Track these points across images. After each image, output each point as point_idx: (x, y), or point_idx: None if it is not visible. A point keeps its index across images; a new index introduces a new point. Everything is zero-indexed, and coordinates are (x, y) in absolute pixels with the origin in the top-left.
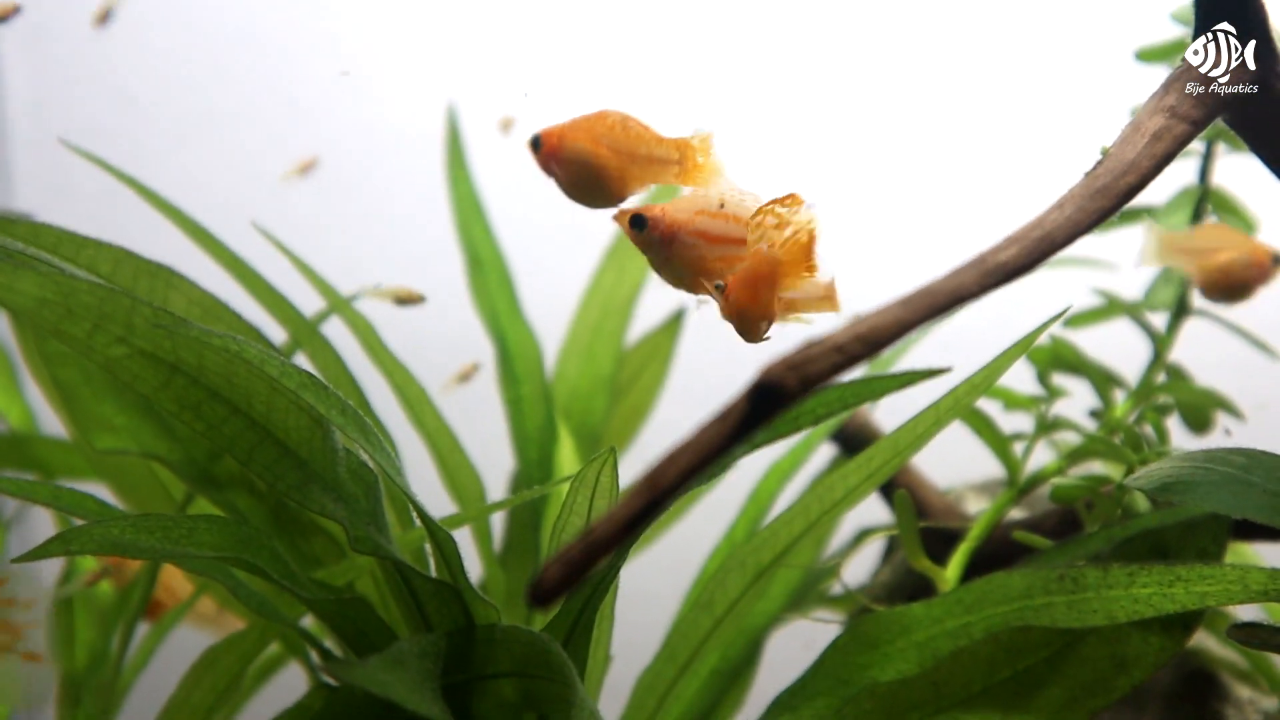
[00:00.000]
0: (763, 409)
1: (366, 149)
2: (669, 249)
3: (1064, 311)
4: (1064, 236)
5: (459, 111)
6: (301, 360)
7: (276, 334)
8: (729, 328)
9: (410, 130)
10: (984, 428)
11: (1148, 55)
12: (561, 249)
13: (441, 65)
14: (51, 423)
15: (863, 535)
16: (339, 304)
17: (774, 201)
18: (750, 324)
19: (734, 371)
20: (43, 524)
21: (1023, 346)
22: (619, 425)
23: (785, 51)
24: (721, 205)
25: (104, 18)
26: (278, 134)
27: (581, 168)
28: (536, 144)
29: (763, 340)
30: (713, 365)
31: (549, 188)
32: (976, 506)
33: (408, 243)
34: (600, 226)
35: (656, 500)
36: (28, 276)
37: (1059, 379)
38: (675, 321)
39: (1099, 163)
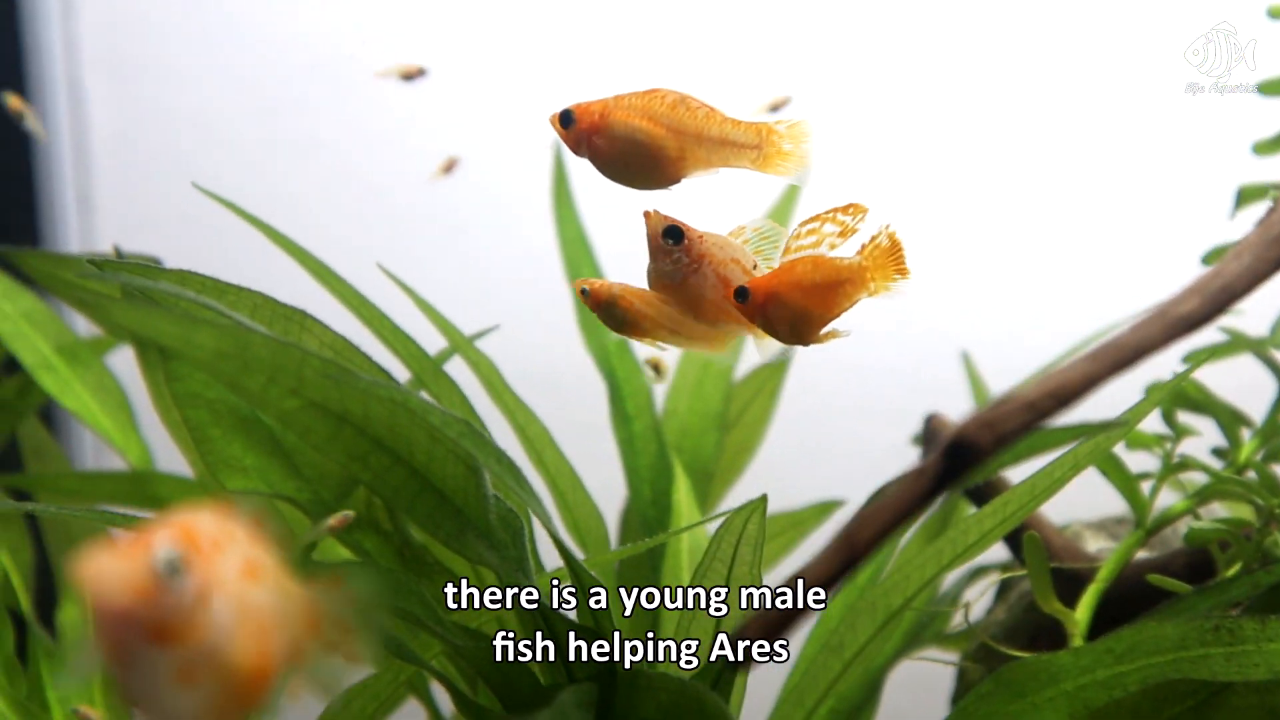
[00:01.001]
0: (958, 467)
1: (467, 181)
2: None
3: (1205, 354)
4: (1243, 286)
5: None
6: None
7: (400, 372)
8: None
9: (513, 164)
10: (1112, 468)
11: (1264, 148)
12: None
13: (541, 97)
14: (167, 460)
15: (977, 573)
16: (461, 343)
17: (834, 210)
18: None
19: None
20: None
21: (1166, 389)
22: (727, 460)
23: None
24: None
25: (448, 168)
26: (356, 164)
27: (631, 144)
28: (568, 119)
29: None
30: None
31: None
32: (1095, 545)
33: (517, 278)
34: None
35: (854, 559)
36: (205, 330)
37: (1184, 417)
38: (782, 359)
39: (1271, 210)
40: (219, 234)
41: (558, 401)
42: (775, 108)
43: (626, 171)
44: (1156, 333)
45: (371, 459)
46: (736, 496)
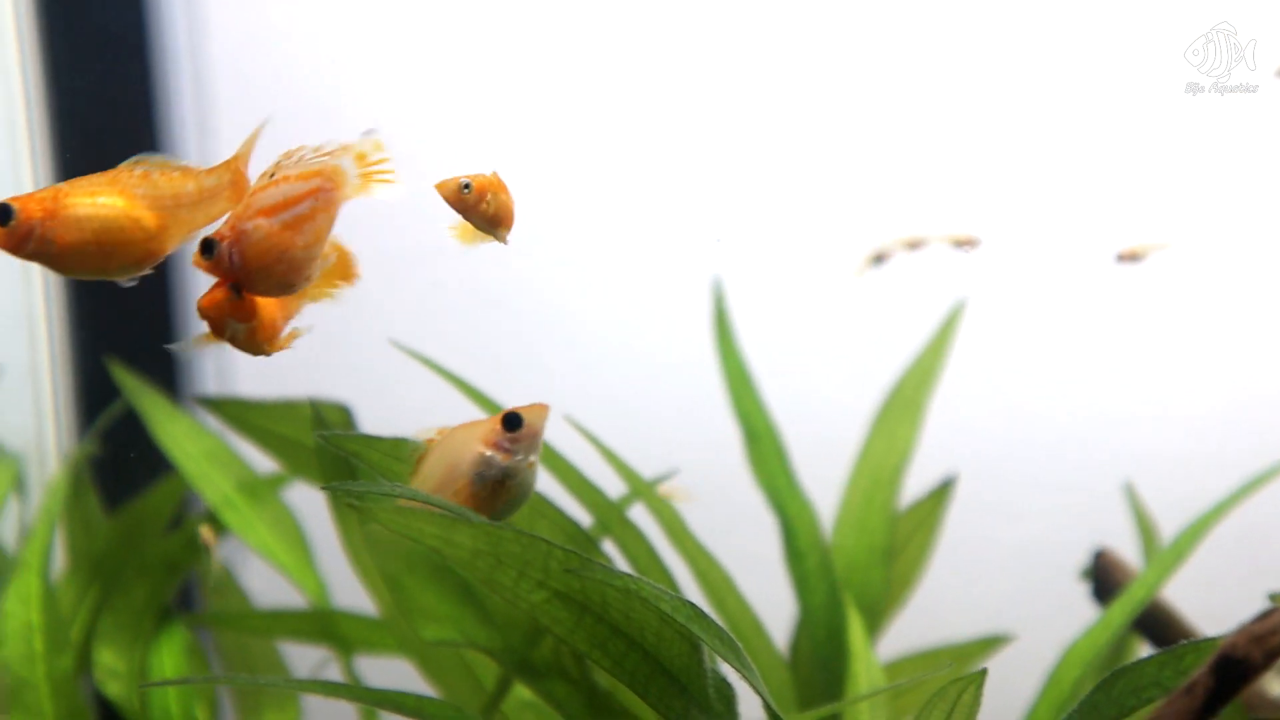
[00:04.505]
0: (1229, 684)
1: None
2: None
3: None
4: None
5: (724, 284)
6: (608, 545)
7: (583, 517)
8: None
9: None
10: None
11: None
12: (829, 410)
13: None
14: (342, 596)
15: None
16: (643, 489)
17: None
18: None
19: None
20: None
21: None
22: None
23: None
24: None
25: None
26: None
27: (99, 224)
28: (5, 215)
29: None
30: None
31: (809, 352)
32: None
33: (678, 415)
34: (862, 391)
35: None
36: (463, 529)
37: None
38: (943, 490)
39: None
40: (336, 337)
41: (731, 536)
42: (960, 244)
43: (93, 259)
44: None
45: (610, 645)
46: (897, 631)
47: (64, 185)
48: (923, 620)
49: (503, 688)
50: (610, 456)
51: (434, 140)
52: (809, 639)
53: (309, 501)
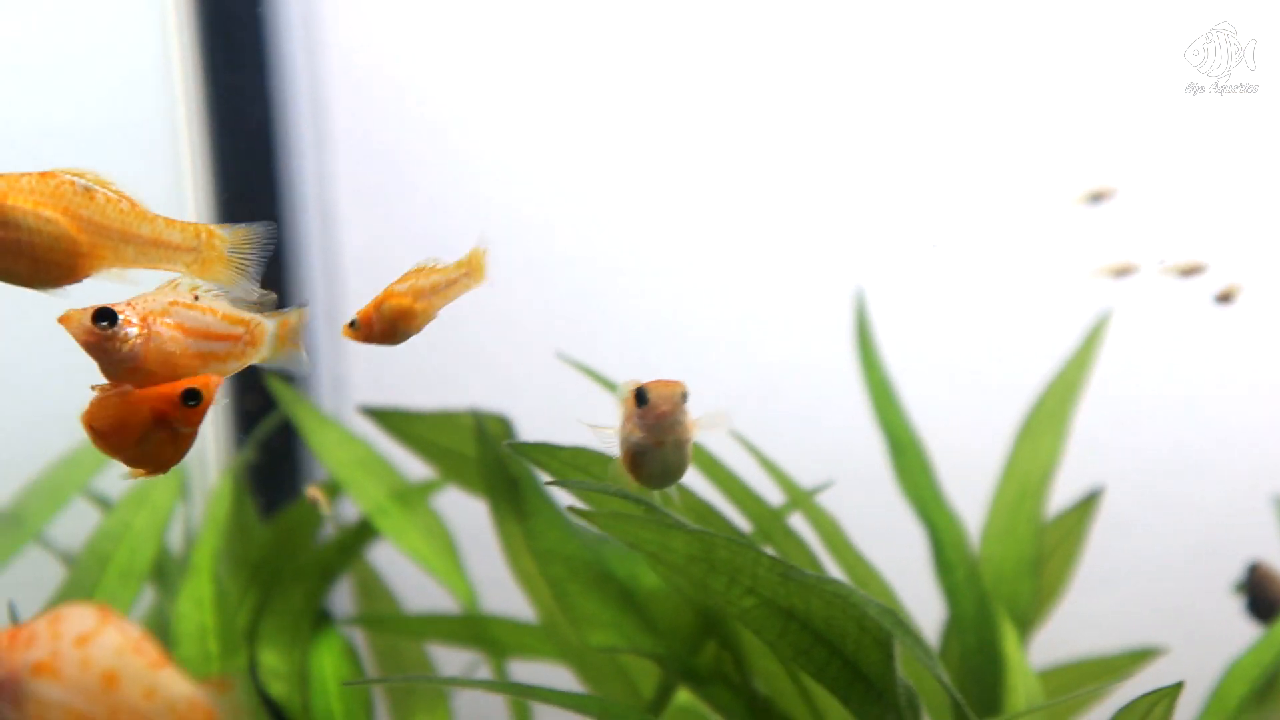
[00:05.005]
0: None
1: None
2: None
3: None
4: None
5: (866, 296)
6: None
7: (742, 524)
8: None
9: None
10: None
11: None
12: (971, 422)
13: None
14: (491, 601)
15: None
16: (801, 499)
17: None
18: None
19: None
20: None
21: None
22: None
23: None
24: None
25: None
26: (587, 289)
27: (33, 236)
28: None
29: None
30: None
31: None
32: None
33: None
34: (1002, 398)
35: None
36: (678, 536)
37: None
38: (1089, 502)
39: None
40: (460, 349)
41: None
42: (1097, 197)
43: (13, 269)
44: None
45: (813, 652)
46: (1041, 643)
47: (1, 181)
48: (1066, 632)
49: (665, 693)
50: (769, 466)
51: (553, 154)
52: (959, 648)
53: (454, 509)
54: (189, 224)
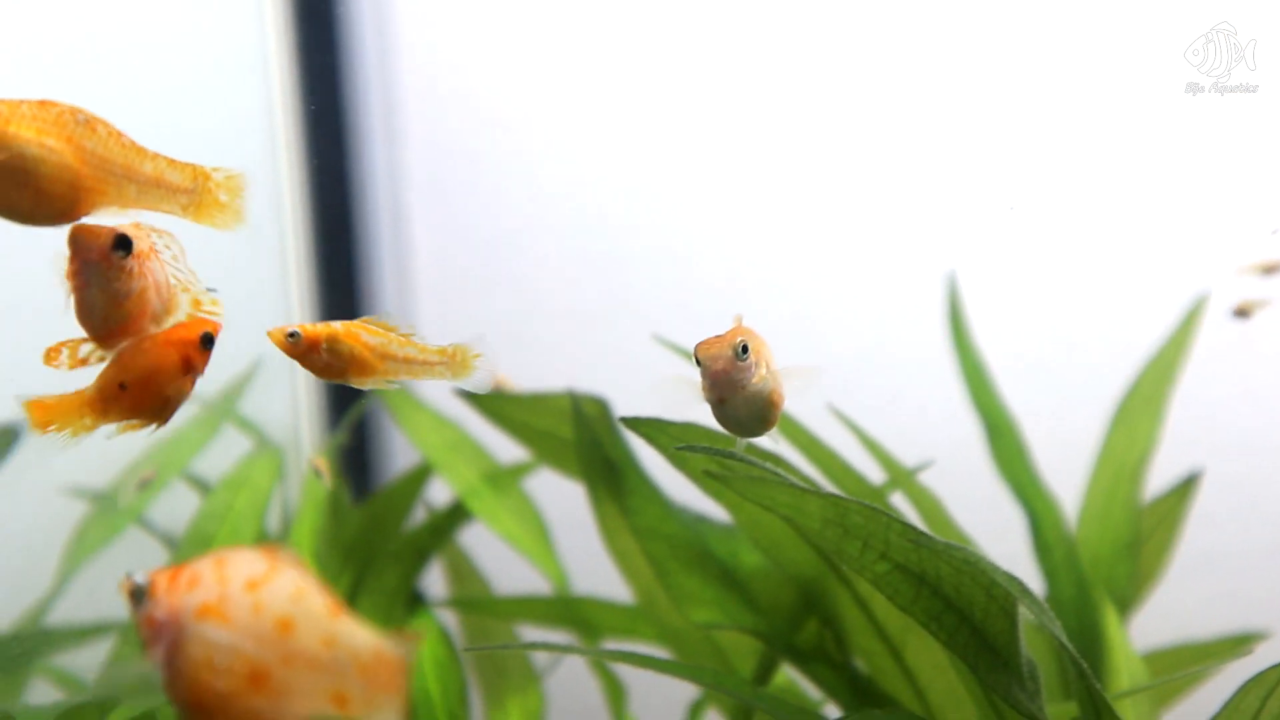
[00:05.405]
0: None
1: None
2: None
3: None
4: None
5: (958, 279)
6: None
7: None
8: None
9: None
10: None
11: None
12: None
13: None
14: (581, 582)
15: None
16: (903, 478)
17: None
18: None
19: None
20: None
21: None
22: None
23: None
24: None
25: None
26: (654, 281)
27: (37, 165)
28: None
29: None
30: None
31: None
32: None
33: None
34: (1101, 382)
35: None
36: (812, 500)
37: None
38: (1187, 486)
39: None
40: (530, 345)
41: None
42: (1270, 270)
43: (15, 202)
44: None
45: (945, 618)
46: (1137, 626)
47: (3, 107)
48: (1163, 616)
49: (766, 671)
50: (870, 444)
51: (623, 147)
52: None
53: (541, 492)
54: (188, 164)
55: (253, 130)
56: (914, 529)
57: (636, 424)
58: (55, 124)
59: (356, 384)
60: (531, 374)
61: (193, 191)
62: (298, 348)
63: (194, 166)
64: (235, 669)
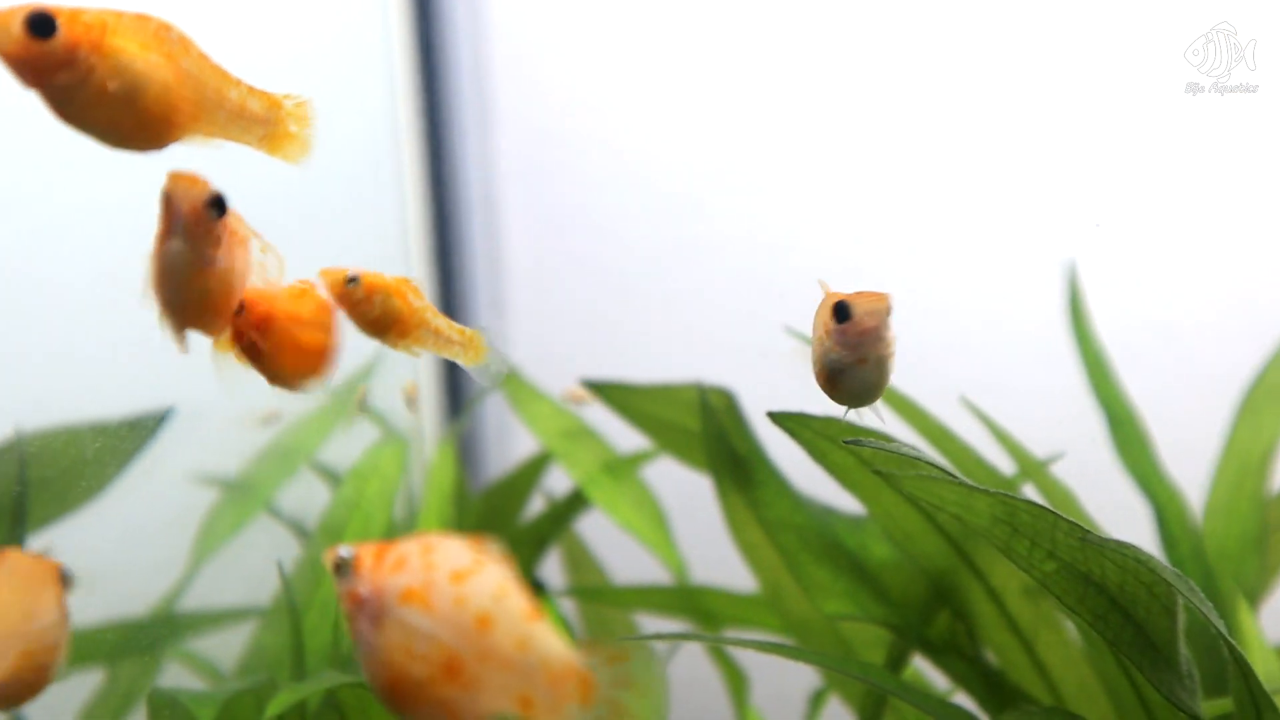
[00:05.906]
0: None
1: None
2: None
3: None
4: None
5: (1078, 268)
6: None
7: None
8: None
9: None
10: None
11: None
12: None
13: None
14: (700, 572)
15: None
16: (1033, 469)
17: None
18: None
19: None
20: None
21: None
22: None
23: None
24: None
25: None
26: (745, 268)
27: (141, 84)
28: (46, 26)
29: None
30: None
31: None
32: None
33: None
34: (1226, 372)
35: None
36: (981, 498)
37: None
38: None
39: None
40: (618, 327)
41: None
42: None
43: (116, 121)
44: None
45: (1110, 617)
46: (1265, 618)
47: (106, 16)
48: None
49: (898, 662)
50: (1002, 437)
51: (720, 133)
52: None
53: (657, 481)
54: (265, 92)
55: (380, 130)
56: (1080, 527)
57: (781, 418)
58: (155, 39)
59: (389, 344)
60: (621, 359)
61: (268, 122)
62: (354, 294)
63: (269, 94)
64: (431, 657)
